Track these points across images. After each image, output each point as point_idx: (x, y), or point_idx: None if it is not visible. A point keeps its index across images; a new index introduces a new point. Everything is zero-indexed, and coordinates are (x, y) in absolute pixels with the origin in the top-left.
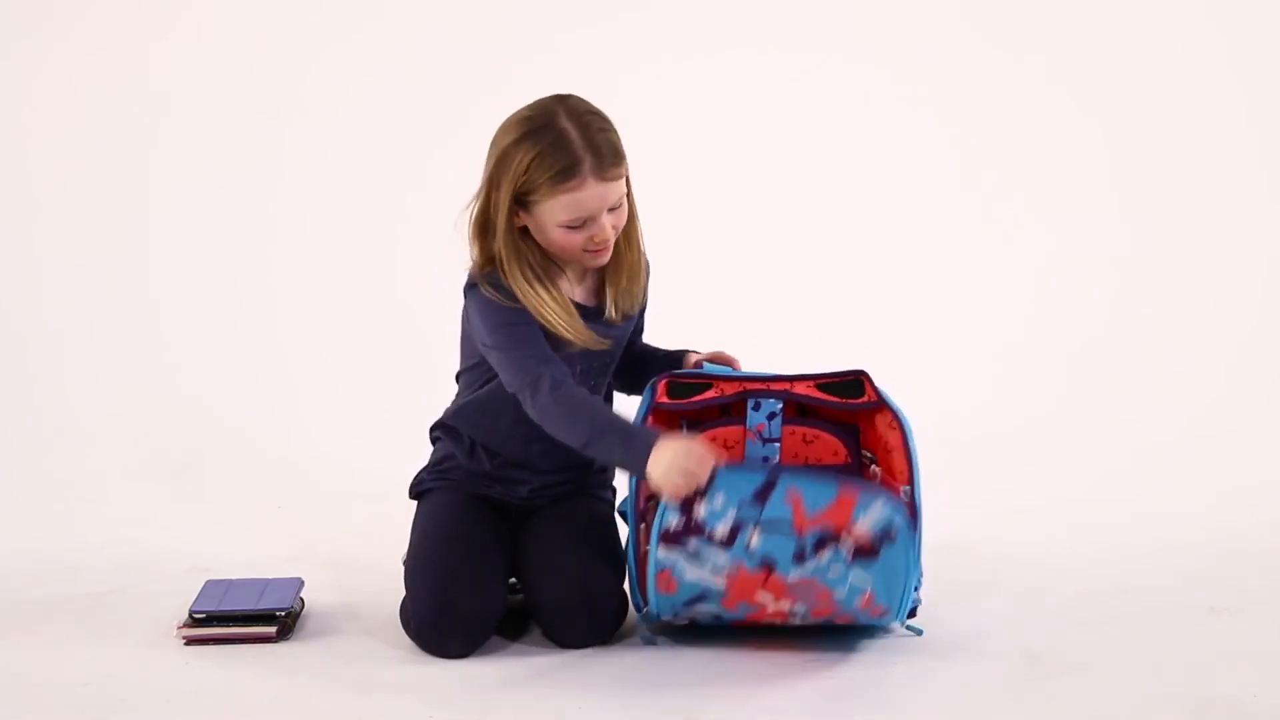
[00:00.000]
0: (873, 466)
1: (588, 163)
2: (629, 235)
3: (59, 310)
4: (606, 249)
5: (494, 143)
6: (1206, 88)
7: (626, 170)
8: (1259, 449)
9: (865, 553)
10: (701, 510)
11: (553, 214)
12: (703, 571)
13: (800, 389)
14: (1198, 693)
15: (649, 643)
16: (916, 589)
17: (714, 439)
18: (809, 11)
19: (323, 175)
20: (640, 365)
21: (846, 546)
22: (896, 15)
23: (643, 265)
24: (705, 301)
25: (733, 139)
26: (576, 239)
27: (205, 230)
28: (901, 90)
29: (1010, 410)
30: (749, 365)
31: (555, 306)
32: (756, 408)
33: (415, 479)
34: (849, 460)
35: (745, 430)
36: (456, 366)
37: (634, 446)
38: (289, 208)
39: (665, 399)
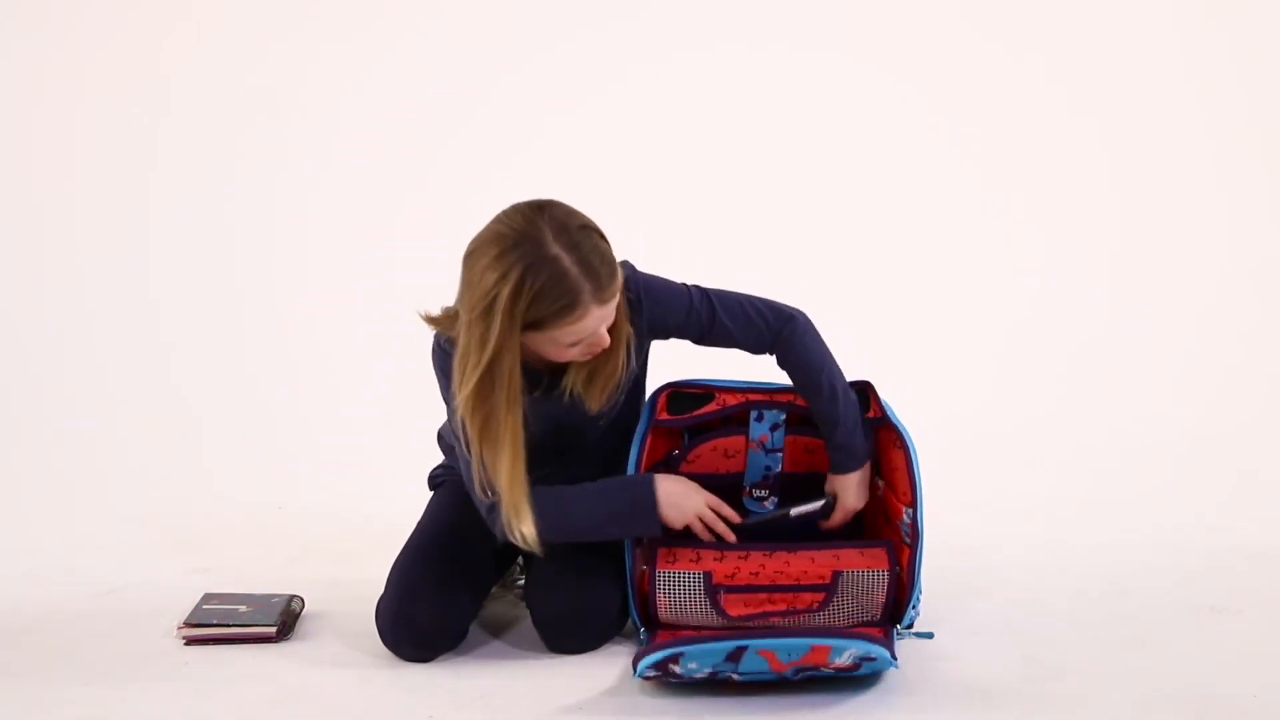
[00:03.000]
0: (875, 478)
1: (587, 291)
2: (615, 337)
3: (59, 310)
4: (599, 350)
5: (476, 276)
6: (1206, 88)
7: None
8: (1259, 449)
9: (847, 671)
10: (676, 669)
11: (553, 340)
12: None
13: (804, 401)
14: (1198, 693)
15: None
16: (914, 606)
17: (715, 448)
18: (809, 12)
19: (323, 175)
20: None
21: (828, 670)
22: (896, 16)
23: (622, 366)
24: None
25: (731, 142)
26: (575, 352)
27: (206, 230)
28: (901, 92)
29: (1010, 411)
30: (751, 372)
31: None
32: (759, 418)
33: (432, 471)
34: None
35: (747, 440)
36: None
37: (635, 522)
38: (290, 208)
39: (665, 415)
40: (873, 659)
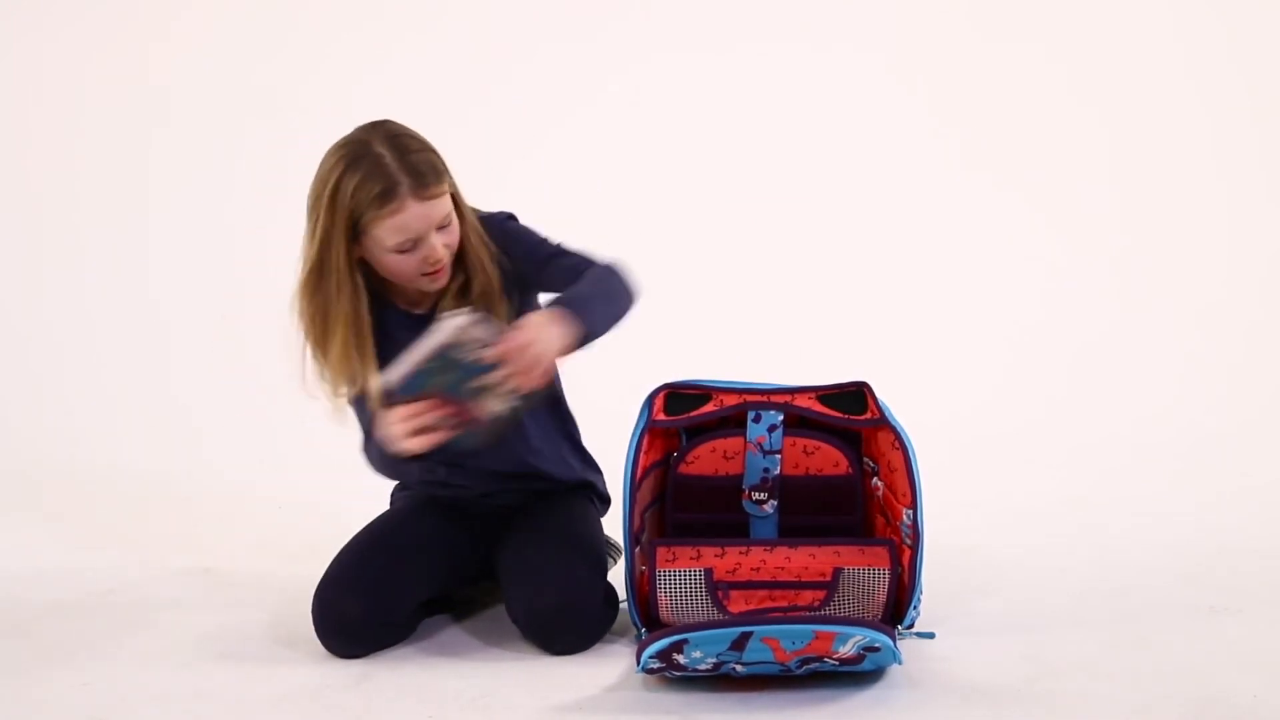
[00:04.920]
0: (875, 479)
1: (405, 184)
2: (469, 254)
3: (60, 310)
4: (443, 271)
5: (316, 176)
6: (1207, 89)
7: (451, 188)
8: (1259, 449)
9: (851, 662)
10: (681, 659)
11: (381, 240)
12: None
13: (801, 401)
14: (1198, 693)
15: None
16: (915, 606)
17: (714, 449)
18: (809, 13)
19: None
20: None
21: (832, 661)
22: (897, 15)
23: (495, 280)
24: (706, 304)
25: (731, 142)
26: (411, 262)
27: (206, 230)
28: (901, 91)
29: (1010, 411)
30: (749, 372)
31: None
32: (757, 420)
33: (393, 493)
34: (850, 472)
35: (745, 442)
36: None
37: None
38: (289, 208)
39: (662, 415)
40: (877, 649)
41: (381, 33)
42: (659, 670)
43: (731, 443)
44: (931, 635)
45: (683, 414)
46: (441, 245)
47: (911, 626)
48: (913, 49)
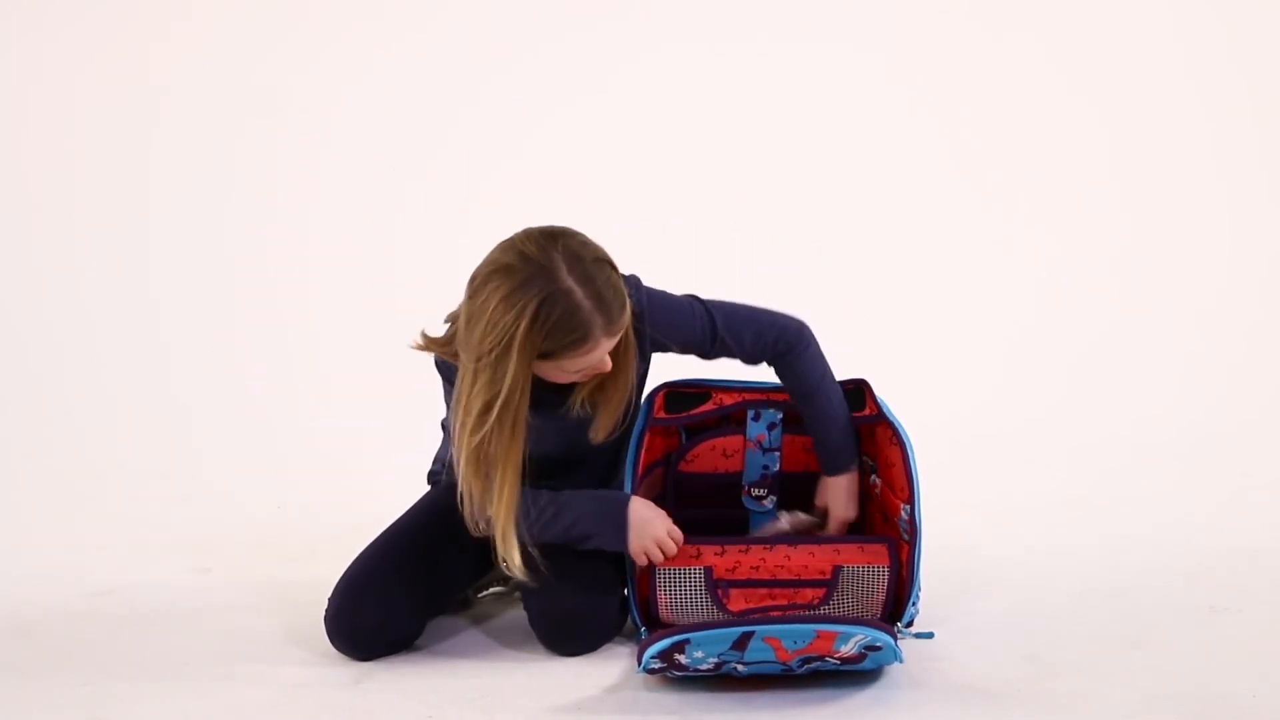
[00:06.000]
0: (872, 476)
1: (599, 325)
2: (621, 363)
3: (59, 310)
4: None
5: (486, 310)
6: (1207, 89)
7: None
8: (1259, 449)
9: (852, 661)
10: (682, 659)
11: (558, 367)
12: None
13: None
14: (1198, 693)
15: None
16: (914, 602)
17: (714, 447)
18: (809, 12)
19: (322, 174)
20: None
21: (834, 660)
22: (897, 14)
23: (630, 391)
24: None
25: (731, 140)
26: (575, 376)
27: (205, 231)
28: (902, 92)
29: (1010, 411)
30: (749, 371)
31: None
32: (756, 418)
33: (431, 469)
34: None
35: (745, 440)
36: None
37: (603, 533)
38: (288, 208)
39: (662, 413)
40: (879, 648)
41: (380, 32)
42: (660, 670)
43: (731, 441)
44: (930, 635)
45: (682, 412)
46: (608, 357)
47: (911, 624)
48: (913, 48)
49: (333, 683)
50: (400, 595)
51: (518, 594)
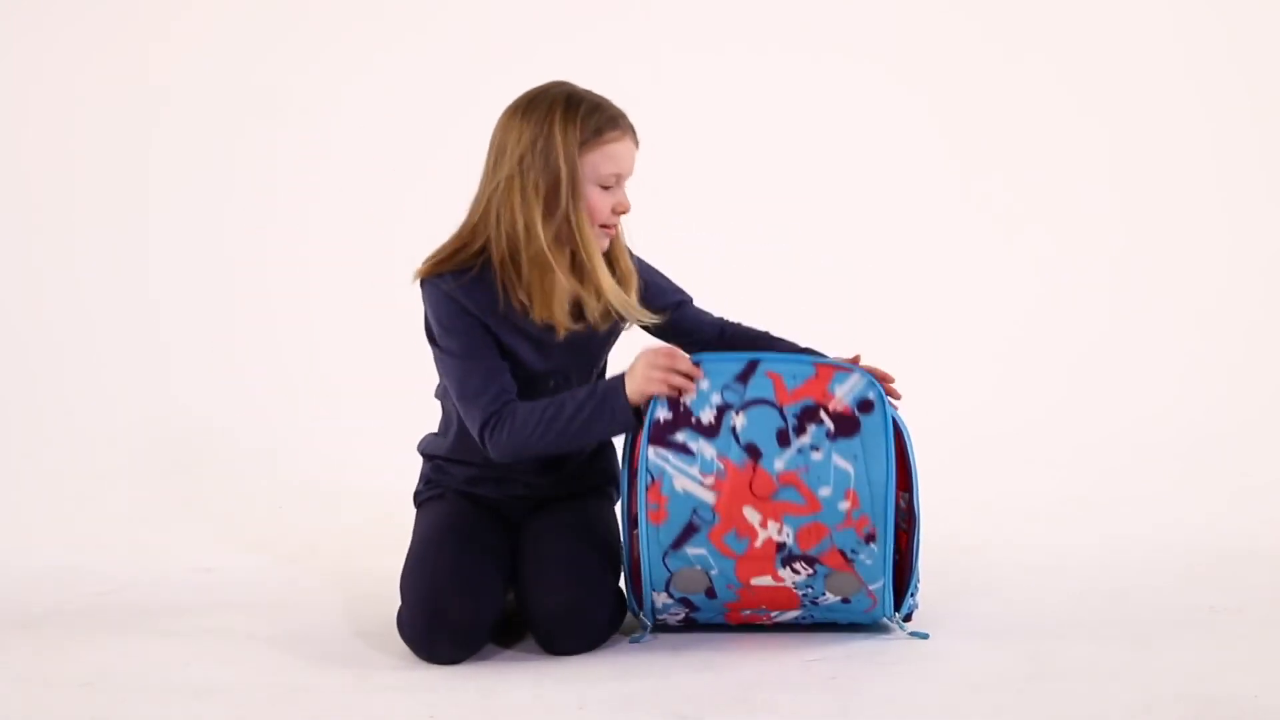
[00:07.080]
0: None
1: (622, 118)
2: (616, 243)
3: (59, 310)
4: (617, 227)
5: (508, 125)
6: (1207, 89)
7: None
8: (1259, 449)
9: (846, 425)
10: (688, 396)
11: (596, 166)
12: (691, 478)
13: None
14: (1198, 693)
15: (635, 642)
16: (914, 594)
17: None
18: (809, 13)
19: (321, 175)
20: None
21: (827, 420)
22: (896, 15)
23: (633, 274)
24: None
25: (732, 139)
26: (607, 202)
27: (205, 231)
28: (901, 91)
29: (1011, 411)
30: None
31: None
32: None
33: (415, 490)
34: None
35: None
36: None
37: (607, 402)
38: (288, 208)
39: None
40: (869, 405)
41: (380, 32)
42: (664, 437)
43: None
44: (925, 635)
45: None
46: (626, 200)
47: (910, 618)
48: (914, 51)
49: (333, 683)
50: (479, 586)
51: (510, 596)
